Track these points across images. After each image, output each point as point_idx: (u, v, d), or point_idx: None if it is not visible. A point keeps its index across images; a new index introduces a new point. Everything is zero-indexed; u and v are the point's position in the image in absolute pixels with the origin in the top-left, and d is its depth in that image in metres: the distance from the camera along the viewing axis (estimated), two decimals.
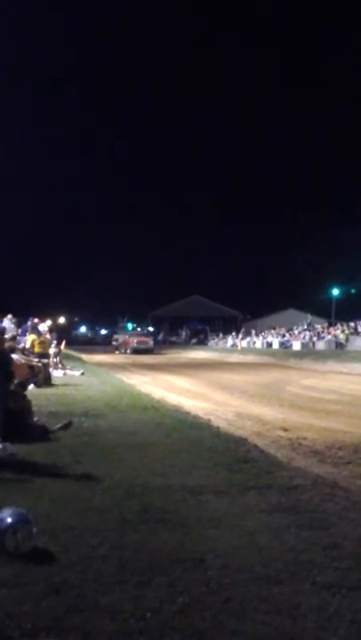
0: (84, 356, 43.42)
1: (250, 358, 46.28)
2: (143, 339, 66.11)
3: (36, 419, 9.59)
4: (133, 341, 63.43)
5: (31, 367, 16.37)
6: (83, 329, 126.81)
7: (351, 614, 3.60)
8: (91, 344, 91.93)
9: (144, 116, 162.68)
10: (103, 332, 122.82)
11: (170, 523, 5.13)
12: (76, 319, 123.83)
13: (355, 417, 12.84)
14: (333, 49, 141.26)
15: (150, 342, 65.27)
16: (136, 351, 59.91)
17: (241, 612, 3.62)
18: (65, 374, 21.77)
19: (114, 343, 73.91)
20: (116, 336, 77.44)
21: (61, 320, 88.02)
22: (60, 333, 37.00)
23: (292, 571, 4.18)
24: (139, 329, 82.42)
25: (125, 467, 7.18)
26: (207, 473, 6.94)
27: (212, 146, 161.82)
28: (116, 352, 65.35)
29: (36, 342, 19.23)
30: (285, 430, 10.77)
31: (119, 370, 29.89)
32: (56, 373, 20.70)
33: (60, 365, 22.96)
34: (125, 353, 60.72)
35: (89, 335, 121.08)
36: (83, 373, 22.61)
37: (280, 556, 4.45)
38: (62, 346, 27.24)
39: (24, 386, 9.72)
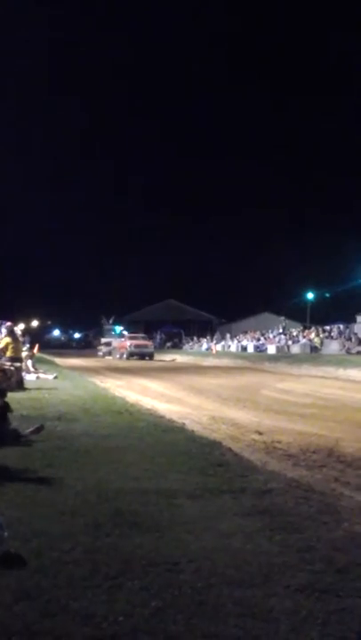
0: (58, 360, 43.23)
1: (225, 362, 46.29)
2: (142, 342, 57.61)
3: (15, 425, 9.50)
4: (131, 345, 55.22)
5: (3, 371, 16.22)
6: (56, 332, 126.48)
7: (324, 617, 3.60)
8: (64, 347, 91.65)
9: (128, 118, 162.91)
10: (77, 335, 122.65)
11: (143, 526, 5.11)
12: (49, 322, 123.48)
13: (329, 420, 12.90)
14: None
15: (150, 346, 57.44)
16: (133, 356, 53.31)
17: (214, 615, 3.61)
18: (38, 378, 21.63)
19: (102, 348, 66.54)
20: (104, 339, 69.64)
21: (34, 323, 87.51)
22: (33, 337, 36.89)
23: (266, 574, 4.18)
24: (126, 332, 72.38)
25: (99, 471, 7.13)
26: (181, 477, 6.92)
27: (189, 149, 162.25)
28: (107, 357, 59.47)
29: (10, 346, 19.06)
30: (260, 434, 10.77)
31: (93, 373, 29.77)
32: (29, 377, 20.56)
33: (32, 369, 22.81)
34: (121, 358, 54.05)
35: (62, 339, 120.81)
36: (56, 377, 22.47)
37: (253, 559, 4.44)
38: (35, 349, 27.09)
39: (3, 392, 9.64)
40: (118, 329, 75.85)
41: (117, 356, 56.59)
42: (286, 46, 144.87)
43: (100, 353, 64.63)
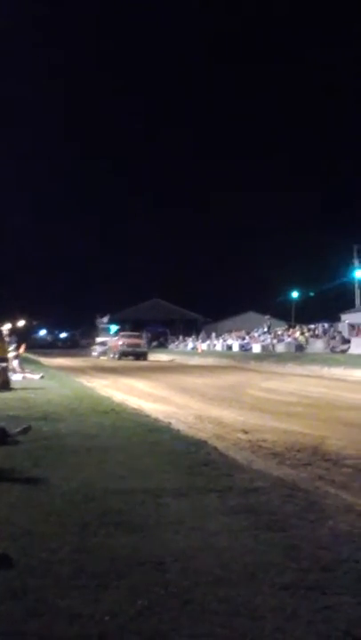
0: (44, 360, 43.10)
1: (210, 361, 46.30)
2: (135, 341, 54.02)
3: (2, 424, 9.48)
4: (123, 344, 51.92)
5: None
6: (42, 332, 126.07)
7: (309, 615, 3.62)
8: (50, 347, 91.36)
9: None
10: (63, 335, 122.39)
11: (129, 526, 5.12)
12: (35, 322, 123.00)
13: (314, 419, 12.95)
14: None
15: (143, 345, 54.13)
16: (126, 355, 50.00)
17: (200, 614, 3.62)
18: (24, 378, 21.57)
19: (96, 348, 62.34)
20: (99, 339, 64.94)
21: (20, 323, 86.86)
22: (19, 337, 36.72)
23: (251, 572, 4.20)
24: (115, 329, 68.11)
25: (85, 470, 7.14)
26: (167, 476, 6.94)
27: (175, 150, 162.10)
28: (102, 357, 55.69)
29: None
30: (245, 432, 10.80)
31: (79, 373, 29.72)
32: (15, 377, 20.49)
33: (19, 369, 22.75)
34: (114, 358, 51.17)
35: (48, 339, 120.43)
36: (42, 377, 22.43)
37: (239, 557, 4.46)
38: (21, 349, 27.02)
39: None
40: (114, 328, 70.26)
41: (111, 355, 53.36)
42: (287, 41, 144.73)
43: (95, 353, 61.26)
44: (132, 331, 67.17)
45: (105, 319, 72.78)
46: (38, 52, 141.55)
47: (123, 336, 56.65)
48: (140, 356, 50.40)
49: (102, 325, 71.56)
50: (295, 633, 3.44)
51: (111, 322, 72.84)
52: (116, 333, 64.12)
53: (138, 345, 52.62)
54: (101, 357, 56.59)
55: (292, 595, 3.87)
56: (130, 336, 57.06)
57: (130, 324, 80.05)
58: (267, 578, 4.11)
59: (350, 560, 4.43)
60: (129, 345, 51.71)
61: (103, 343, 61.55)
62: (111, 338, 61.22)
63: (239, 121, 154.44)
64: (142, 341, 55.37)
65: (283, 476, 7.33)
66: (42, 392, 16.75)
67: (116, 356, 50.52)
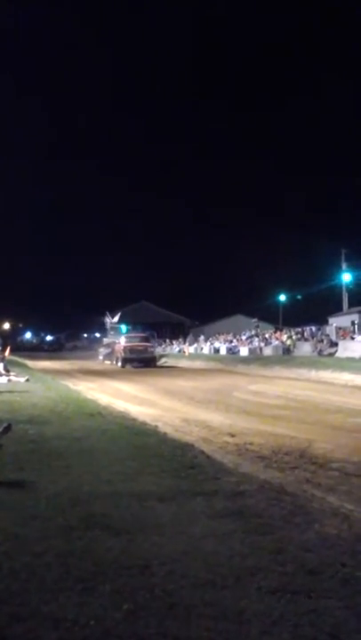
0: (29, 363, 42.93)
1: (197, 364, 46.24)
2: (140, 344, 43.83)
3: None
4: (125, 348, 42.23)
5: None
6: (28, 335, 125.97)
7: (295, 618, 3.61)
8: (36, 350, 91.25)
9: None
10: (49, 338, 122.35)
11: (115, 529, 5.09)
12: (21, 325, 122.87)
13: (301, 422, 12.95)
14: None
15: (151, 349, 44.35)
16: (128, 362, 41.50)
17: (186, 617, 3.61)
18: (9, 381, 21.50)
19: (102, 350, 54.99)
20: (107, 340, 56.99)
21: (6, 326, 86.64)
22: (5, 339, 36.61)
23: (238, 576, 4.18)
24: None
25: (71, 474, 7.11)
26: (153, 479, 6.91)
27: (162, 152, 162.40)
28: (107, 362, 48.86)
29: None
30: (232, 436, 10.79)
31: (65, 376, 29.63)
32: (0, 380, 20.45)
33: (4, 372, 22.67)
34: (116, 364, 43.54)
35: (34, 341, 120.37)
36: (28, 380, 22.35)
37: (225, 561, 4.44)
38: (7, 352, 26.92)
39: None
40: (124, 328, 58.88)
41: (113, 361, 45.56)
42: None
43: (101, 357, 53.79)
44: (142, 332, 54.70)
45: (115, 319, 64.25)
46: (38, 53, 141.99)
47: (126, 339, 45.85)
48: (148, 362, 42.08)
49: (111, 325, 62.53)
50: (281, 636, 3.43)
51: (122, 322, 63.21)
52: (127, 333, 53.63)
53: (145, 349, 43.40)
54: (105, 362, 49.79)
55: (278, 598, 3.86)
56: (134, 338, 46.54)
57: (140, 325, 69.50)
58: (253, 581, 4.10)
59: (336, 563, 4.43)
60: (132, 350, 42.57)
61: (109, 345, 52.59)
62: (114, 340, 51.08)
63: (232, 126, 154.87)
64: (149, 344, 45.39)
65: (269, 479, 7.33)
66: (27, 395, 16.68)
67: (119, 364, 42.62)
